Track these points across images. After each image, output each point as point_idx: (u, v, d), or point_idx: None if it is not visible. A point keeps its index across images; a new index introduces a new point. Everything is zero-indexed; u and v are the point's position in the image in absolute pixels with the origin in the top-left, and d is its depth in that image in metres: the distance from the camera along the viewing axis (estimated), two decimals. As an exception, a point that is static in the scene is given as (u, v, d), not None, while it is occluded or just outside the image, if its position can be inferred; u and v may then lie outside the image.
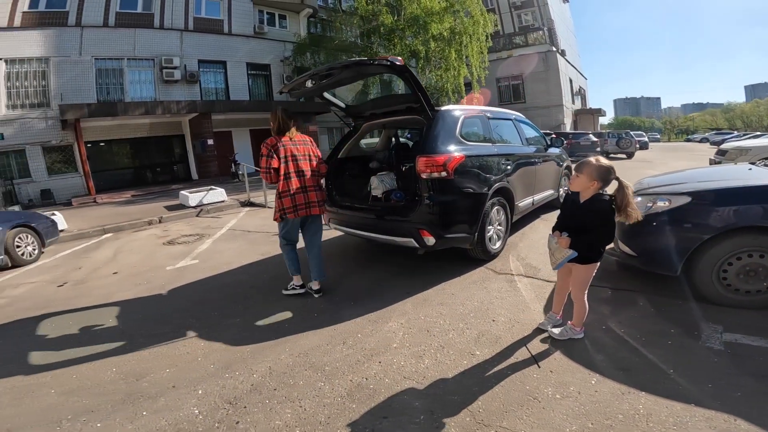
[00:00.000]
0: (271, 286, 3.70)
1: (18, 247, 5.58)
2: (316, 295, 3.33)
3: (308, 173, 3.20)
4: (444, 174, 3.23)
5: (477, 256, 3.74)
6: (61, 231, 7.21)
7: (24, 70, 13.59)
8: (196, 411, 1.95)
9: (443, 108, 3.70)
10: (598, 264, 2.23)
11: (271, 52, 18.88)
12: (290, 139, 3.20)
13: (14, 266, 5.42)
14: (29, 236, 5.85)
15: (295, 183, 3.12)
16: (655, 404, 1.75)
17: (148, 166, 16.39)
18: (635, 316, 2.59)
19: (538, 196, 4.97)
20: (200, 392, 2.12)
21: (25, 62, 13.57)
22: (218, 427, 1.83)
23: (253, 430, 1.79)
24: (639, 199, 2.94)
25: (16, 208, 11.85)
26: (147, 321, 3.15)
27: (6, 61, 13.24)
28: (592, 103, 39.83)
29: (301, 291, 3.40)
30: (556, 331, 2.41)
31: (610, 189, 2.14)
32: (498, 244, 3.95)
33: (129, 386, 2.23)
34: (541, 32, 28.24)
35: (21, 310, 3.68)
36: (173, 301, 3.59)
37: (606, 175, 2.09)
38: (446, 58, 16.14)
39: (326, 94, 4.12)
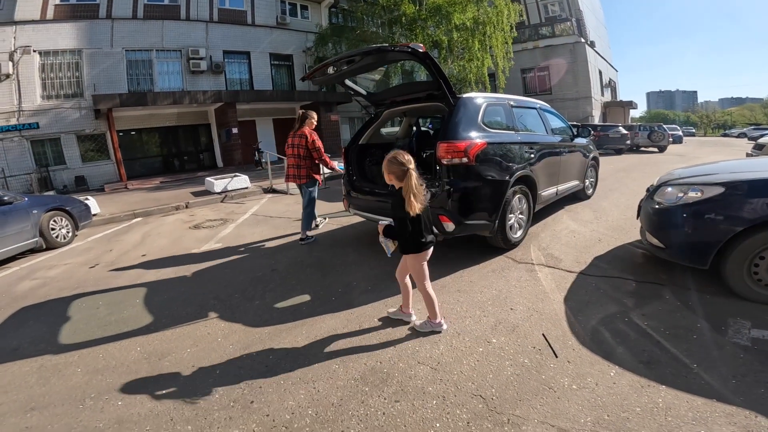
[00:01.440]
0: (291, 270, 3.77)
1: (53, 229, 5.86)
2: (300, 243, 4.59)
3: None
4: (465, 160, 3.20)
5: (497, 244, 3.68)
6: (94, 215, 7.52)
7: (58, 62, 14.13)
8: (214, 390, 2.02)
9: (465, 95, 3.64)
10: (424, 254, 2.27)
11: (293, 42, 19.01)
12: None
13: (48, 248, 5.70)
14: (64, 219, 6.13)
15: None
16: (675, 398, 1.69)
17: (176, 154, 16.90)
18: (660, 309, 2.50)
19: (562, 187, 4.85)
20: (218, 372, 2.19)
21: (59, 54, 14.10)
22: (233, 406, 1.89)
23: (267, 410, 1.84)
24: (669, 189, 2.82)
25: (51, 193, 12.46)
26: (172, 302, 3.27)
27: (40, 53, 13.80)
28: (623, 96, 38.38)
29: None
30: (418, 322, 2.48)
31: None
32: (519, 233, 3.88)
33: (151, 366, 2.32)
34: (569, 23, 27.28)
35: (54, 291, 3.88)
36: (197, 282, 3.71)
37: (394, 167, 2.14)
38: (469, 49, 15.86)
39: (347, 81, 4.14)
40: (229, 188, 9.42)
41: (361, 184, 4.21)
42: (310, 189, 4.57)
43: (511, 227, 3.73)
